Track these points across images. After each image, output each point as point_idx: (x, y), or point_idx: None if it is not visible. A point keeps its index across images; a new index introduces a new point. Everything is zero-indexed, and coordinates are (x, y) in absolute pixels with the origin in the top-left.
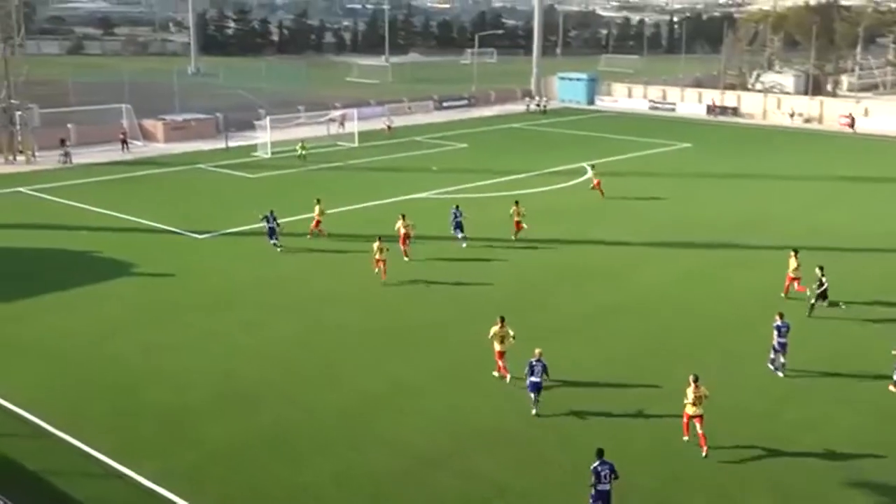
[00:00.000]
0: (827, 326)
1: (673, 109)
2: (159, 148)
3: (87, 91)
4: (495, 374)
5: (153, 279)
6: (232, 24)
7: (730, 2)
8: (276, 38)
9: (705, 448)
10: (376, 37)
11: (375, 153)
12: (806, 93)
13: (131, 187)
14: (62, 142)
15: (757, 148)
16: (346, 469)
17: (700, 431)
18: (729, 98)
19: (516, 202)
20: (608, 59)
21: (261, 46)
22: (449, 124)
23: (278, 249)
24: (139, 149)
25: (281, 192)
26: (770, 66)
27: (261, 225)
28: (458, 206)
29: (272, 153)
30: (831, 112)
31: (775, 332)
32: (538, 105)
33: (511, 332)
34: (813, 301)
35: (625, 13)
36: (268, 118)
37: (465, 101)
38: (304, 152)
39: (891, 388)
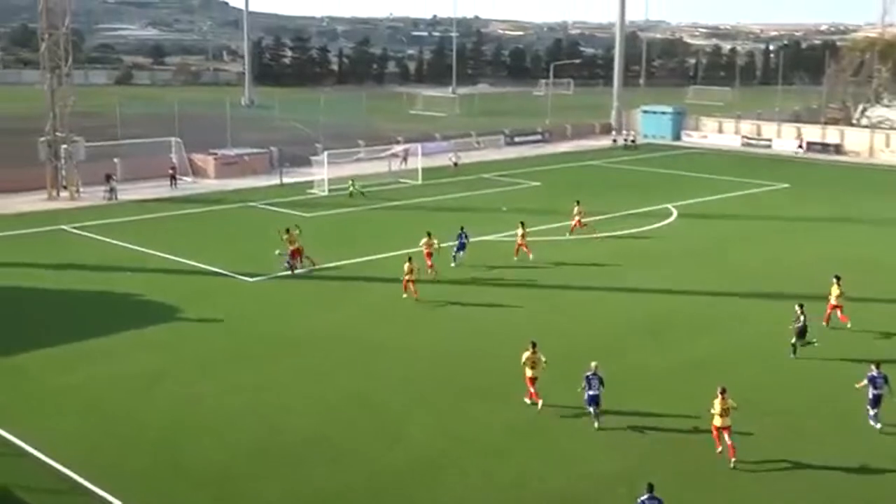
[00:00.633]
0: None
1: (769, 146)
2: (210, 184)
3: (135, 123)
4: (526, 400)
5: (200, 325)
6: (289, 53)
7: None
8: (335, 67)
9: (733, 459)
10: (443, 66)
11: (440, 191)
12: None
13: (179, 226)
14: (108, 177)
15: (862, 189)
16: None
17: (729, 442)
18: (831, 134)
19: (521, 223)
20: (696, 91)
21: (319, 76)
22: (520, 161)
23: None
24: (188, 185)
25: (338, 233)
26: (877, 100)
27: (308, 268)
28: (463, 228)
29: (329, 190)
30: None
31: (869, 385)
32: (626, 139)
33: (543, 358)
34: (793, 341)
35: (715, 41)
36: (325, 153)
37: (538, 136)
38: (354, 189)
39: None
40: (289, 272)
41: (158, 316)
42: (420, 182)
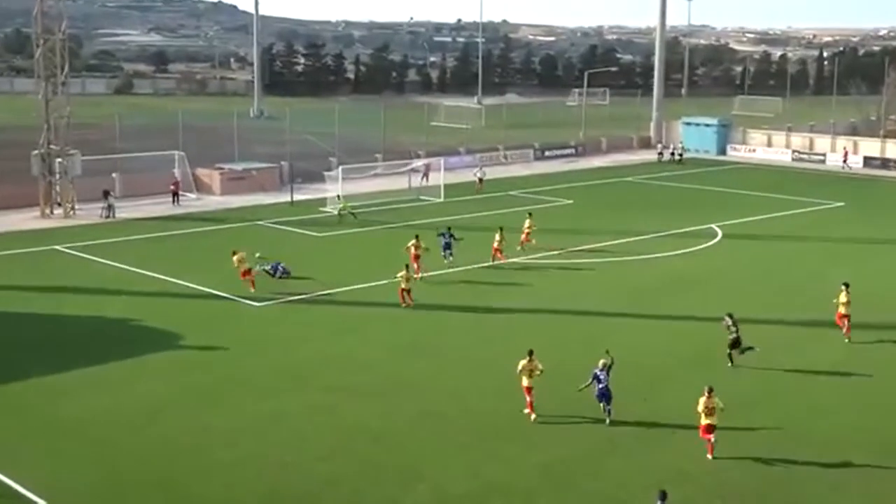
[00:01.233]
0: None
1: (822, 161)
2: (215, 201)
3: (135, 135)
4: (526, 411)
5: (203, 353)
6: (302, 60)
7: (892, 33)
8: (351, 75)
9: (710, 455)
10: (468, 74)
11: (464, 209)
12: None
13: (181, 246)
14: (105, 193)
15: None
16: None
17: (711, 440)
18: (891, 149)
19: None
20: (743, 102)
21: (334, 85)
22: (551, 177)
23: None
24: (192, 202)
25: (352, 254)
26: None
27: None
28: (449, 228)
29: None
30: None
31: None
32: (672, 153)
33: (540, 366)
34: (729, 352)
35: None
36: (340, 168)
37: (570, 150)
38: (343, 210)
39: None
40: (271, 275)
41: (158, 343)
42: (442, 199)
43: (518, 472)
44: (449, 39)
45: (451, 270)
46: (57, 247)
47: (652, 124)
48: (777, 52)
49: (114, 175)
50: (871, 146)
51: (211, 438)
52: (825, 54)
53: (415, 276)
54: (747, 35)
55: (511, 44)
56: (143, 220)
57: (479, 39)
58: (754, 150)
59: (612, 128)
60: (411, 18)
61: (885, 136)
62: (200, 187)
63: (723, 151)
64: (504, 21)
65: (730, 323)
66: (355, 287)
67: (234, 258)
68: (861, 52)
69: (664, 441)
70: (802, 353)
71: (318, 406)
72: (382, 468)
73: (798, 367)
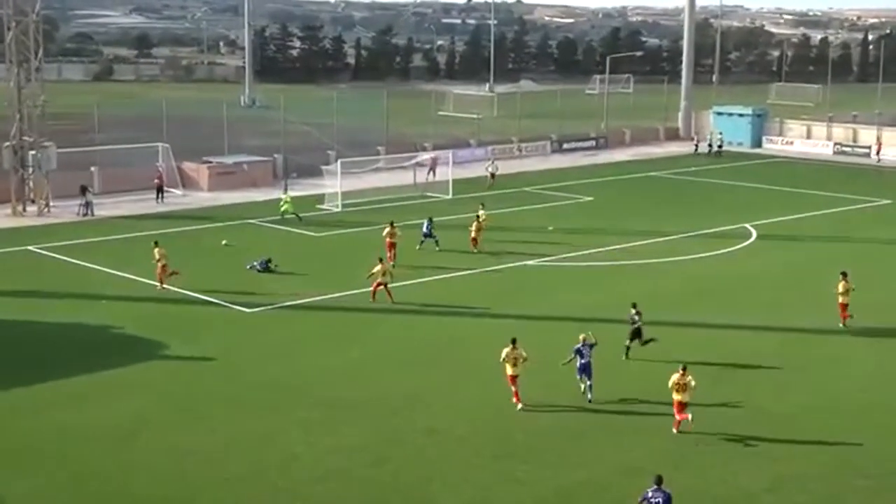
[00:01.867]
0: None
1: (867, 155)
2: (202, 198)
3: (116, 126)
4: (514, 401)
5: (189, 364)
6: (297, 44)
7: None
8: (351, 60)
9: (675, 428)
10: (479, 59)
11: (474, 208)
12: None
13: (165, 247)
14: (83, 189)
15: None
16: None
17: (678, 417)
18: None
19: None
20: (780, 89)
21: (333, 72)
22: (570, 171)
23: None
24: (177, 199)
25: (353, 256)
26: None
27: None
28: (431, 219)
29: (343, 206)
30: None
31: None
32: (710, 145)
33: (524, 354)
34: (627, 343)
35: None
36: (339, 162)
37: (591, 143)
38: (287, 209)
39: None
40: (261, 271)
41: (140, 353)
42: (450, 196)
43: (534, 495)
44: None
45: (456, 274)
46: (30, 247)
47: (680, 114)
48: (817, 35)
49: (92, 169)
50: (876, 136)
51: (196, 459)
52: (870, 37)
53: (387, 261)
54: (785, 16)
55: (526, 26)
56: (124, 219)
57: (491, 21)
58: (792, 143)
59: (636, 118)
60: None
61: None
62: (186, 183)
63: (758, 144)
64: (518, 1)
65: (633, 313)
66: (354, 291)
67: (156, 251)
68: None
69: (686, 462)
70: (847, 364)
71: (314, 423)
72: (384, 492)
73: (846, 382)
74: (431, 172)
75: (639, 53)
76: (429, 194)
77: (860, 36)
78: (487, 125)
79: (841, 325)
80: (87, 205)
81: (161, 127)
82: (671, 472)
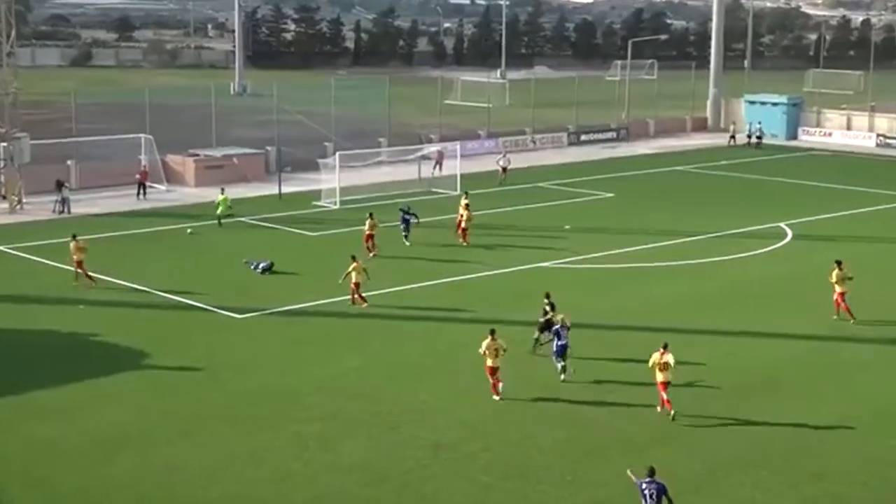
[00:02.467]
0: None
1: None
2: (188, 193)
3: (95, 116)
4: (494, 396)
5: (173, 374)
6: (292, 27)
7: None
8: (351, 45)
9: (666, 407)
10: (489, 44)
11: (484, 204)
12: None
13: (148, 247)
14: (59, 184)
15: None
16: None
17: (665, 397)
18: None
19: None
20: (818, 76)
21: (330, 56)
22: (589, 165)
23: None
24: (161, 195)
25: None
26: None
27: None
28: (409, 208)
29: (342, 202)
30: None
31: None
32: (749, 136)
33: (504, 345)
34: (536, 335)
35: (842, 11)
36: (337, 154)
37: (611, 134)
38: (222, 210)
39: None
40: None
41: (121, 362)
42: (458, 192)
43: None
44: (467, 2)
45: (460, 277)
46: (1, 247)
47: (709, 103)
48: (858, 17)
49: (69, 163)
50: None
51: (182, 477)
52: None
53: (368, 256)
54: None
55: (541, 7)
56: (104, 216)
57: (502, 1)
58: (830, 134)
59: (660, 107)
60: None
61: None
62: (171, 177)
63: (793, 135)
64: None
65: (545, 303)
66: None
67: (72, 245)
68: None
69: (710, 482)
70: (877, 374)
71: (309, 438)
72: None
73: (868, 399)
74: (438, 166)
75: (663, 37)
76: (435, 190)
77: None
78: (499, 115)
79: (835, 316)
80: (64, 201)
81: (144, 117)
82: (692, 495)
